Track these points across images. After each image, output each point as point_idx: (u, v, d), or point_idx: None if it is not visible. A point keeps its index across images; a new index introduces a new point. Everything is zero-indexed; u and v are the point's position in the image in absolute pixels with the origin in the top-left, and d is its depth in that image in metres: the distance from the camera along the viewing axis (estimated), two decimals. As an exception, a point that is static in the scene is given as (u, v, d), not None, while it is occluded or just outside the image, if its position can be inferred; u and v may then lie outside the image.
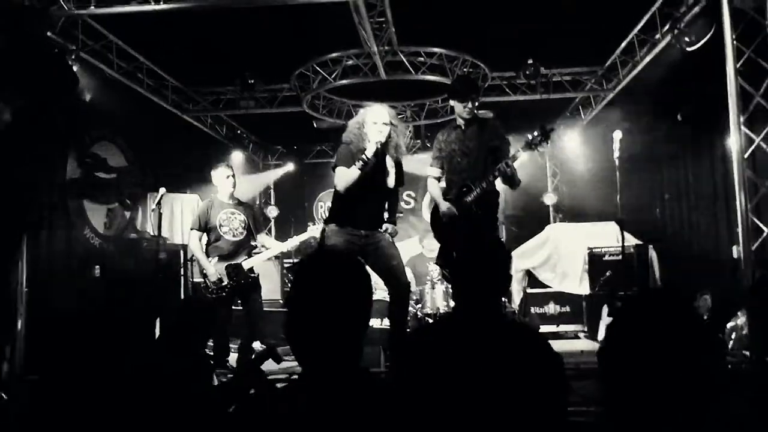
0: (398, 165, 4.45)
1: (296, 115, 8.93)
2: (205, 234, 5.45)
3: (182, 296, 6.99)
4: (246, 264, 5.37)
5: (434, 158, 4.72)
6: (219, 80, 8.42)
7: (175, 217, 8.07)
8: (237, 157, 10.47)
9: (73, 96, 5.83)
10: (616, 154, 4.80)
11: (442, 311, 6.94)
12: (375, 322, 6.78)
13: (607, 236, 7.48)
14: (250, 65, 7.78)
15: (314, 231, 5.55)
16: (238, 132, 10.43)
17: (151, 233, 6.86)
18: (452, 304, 7.03)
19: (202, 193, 7.96)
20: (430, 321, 6.87)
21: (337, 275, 1.57)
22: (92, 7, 5.73)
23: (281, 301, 8.09)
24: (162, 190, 5.53)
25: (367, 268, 4.66)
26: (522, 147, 4.35)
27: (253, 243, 5.55)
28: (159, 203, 5.47)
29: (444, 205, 4.55)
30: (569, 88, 8.30)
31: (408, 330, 4.57)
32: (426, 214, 11.22)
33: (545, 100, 8.24)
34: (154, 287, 6.10)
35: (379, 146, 4.21)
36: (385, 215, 4.50)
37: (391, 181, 4.38)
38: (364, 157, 4.20)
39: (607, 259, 7.30)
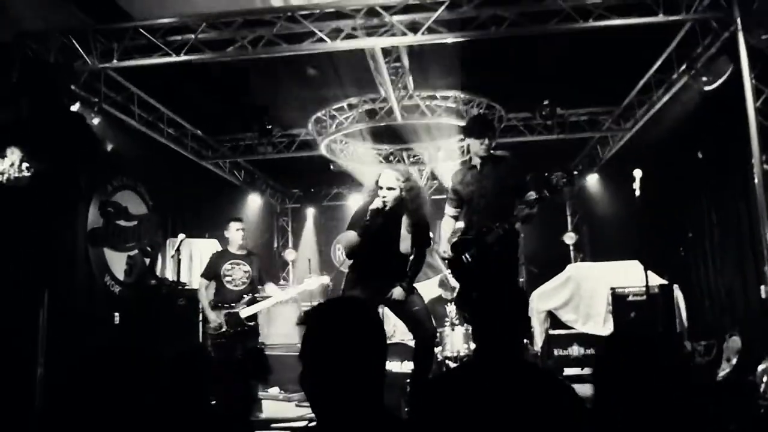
0: (418, 227, 4.37)
1: (314, 159, 9.06)
2: (213, 282, 5.81)
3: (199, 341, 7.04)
4: (244, 312, 5.65)
5: (450, 198, 4.75)
6: (237, 127, 8.60)
7: (194, 262, 8.13)
8: (254, 201, 10.62)
9: (94, 152, 6.07)
10: (637, 192, 4.80)
11: (462, 354, 6.86)
12: (394, 366, 6.73)
13: (630, 276, 7.38)
14: (268, 111, 7.95)
15: (311, 283, 5.92)
16: (256, 176, 10.59)
17: (171, 279, 6.94)
18: (473, 346, 6.98)
19: (220, 238, 8.07)
20: (451, 365, 6.78)
21: (345, 322, 1.58)
22: (115, 61, 5.94)
23: (299, 346, 8.05)
24: (181, 236, 5.69)
25: (391, 315, 4.73)
26: (547, 189, 4.37)
27: (258, 292, 5.85)
28: (178, 249, 5.61)
29: (442, 247, 4.63)
30: (586, 127, 8.34)
31: (430, 373, 4.53)
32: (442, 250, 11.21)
33: (562, 140, 8.28)
34: (172, 333, 6.19)
35: (375, 211, 4.21)
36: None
37: (404, 246, 4.30)
38: (365, 222, 4.25)
39: (632, 299, 7.19)
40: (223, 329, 5.58)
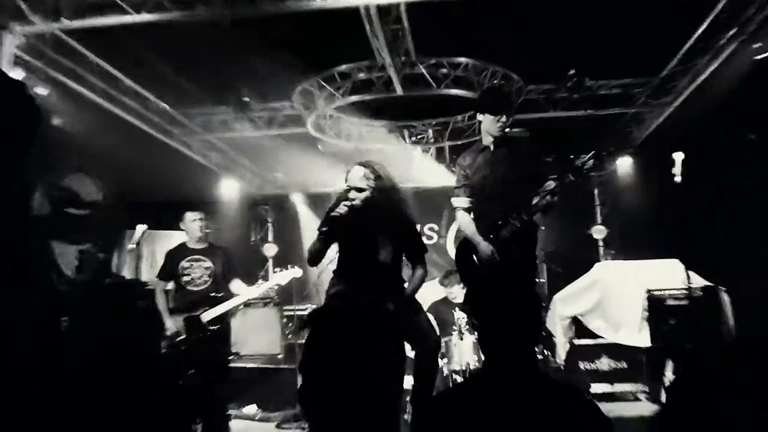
0: (407, 235, 4.35)
1: (298, 136, 9.03)
2: (171, 283, 5.88)
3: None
4: (206, 315, 5.69)
5: (459, 186, 4.70)
6: (210, 99, 8.56)
7: (157, 258, 8.12)
8: (229, 187, 10.59)
9: (39, 128, 6.02)
10: (677, 179, 4.79)
11: (472, 367, 6.87)
12: (393, 382, 6.73)
13: (669, 276, 7.38)
14: (246, 81, 7.91)
15: (281, 278, 5.91)
16: (231, 158, 10.56)
17: (129, 277, 6.93)
18: (483, 357, 6.98)
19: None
20: (459, 379, 6.79)
21: (358, 327, 1.55)
22: (63, 20, 5.89)
23: (281, 356, 8.07)
24: (142, 227, 5.68)
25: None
26: (571, 173, 4.35)
27: (224, 291, 5.88)
28: (138, 243, 5.61)
29: (485, 247, 4.47)
30: (619, 102, 8.32)
31: (434, 390, 4.53)
32: (451, 250, 11.24)
33: (590, 117, 8.26)
34: (130, 342, 6.20)
35: (332, 219, 4.18)
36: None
37: (384, 255, 4.25)
38: (320, 228, 4.24)
39: (671, 303, 7.18)
40: (182, 336, 5.63)
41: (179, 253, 5.95)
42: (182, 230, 6.05)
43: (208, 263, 5.90)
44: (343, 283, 4.33)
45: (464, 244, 4.65)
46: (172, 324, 5.67)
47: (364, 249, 4.28)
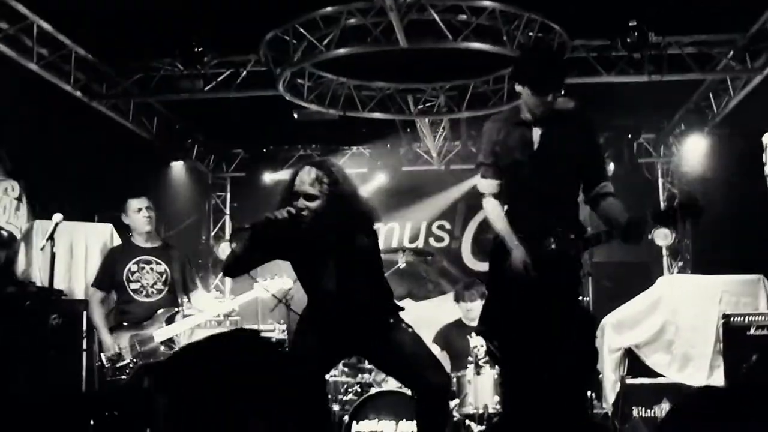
0: (370, 248, 4.45)
1: (267, 101, 9.02)
2: (113, 292, 5.96)
3: (83, 380, 7.08)
4: (160, 334, 5.75)
5: (486, 164, 4.65)
6: (149, 49, 8.54)
7: (77, 258, 8.09)
8: (175, 166, 10.56)
9: None
10: (768, 169, 4.81)
11: (491, 411, 6.89)
12: (387, 426, 6.74)
13: (754, 297, 7.41)
14: (197, 27, 7.88)
15: (261, 290, 5.87)
16: (177, 127, 10.54)
17: (39, 283, 6.90)
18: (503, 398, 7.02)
19: (117, 221, 8.01)
20: (474, 427, 6.81)
21: None
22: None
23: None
24: (57, 216, 5.65)
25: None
26: (652, 218, 4.44)
27: (182, 304, 5.99)
28: (52, 237, 5.59)
29: (519, 255, 4.41)
30: (693, 66, 8.32)
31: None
32: (467, 257, 11.24)
33: (656, 85, 8.26)
34: (41, 366, 6.20)
35: (268, 221, 4.20)
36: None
37: (339, 285, 4.36)
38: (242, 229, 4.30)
39: (754, 333, 7.22)
40: (125, 360, 5.63)
41: (124, 252, 6.02)
42: (105, 222, 6.09)
43: (162, 267, 5.97)
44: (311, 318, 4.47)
45: (496, 251, 4.60)
46: (111, 342, 5.72)
47: (324, 274, 4.37)
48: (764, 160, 4.85)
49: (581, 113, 4.65)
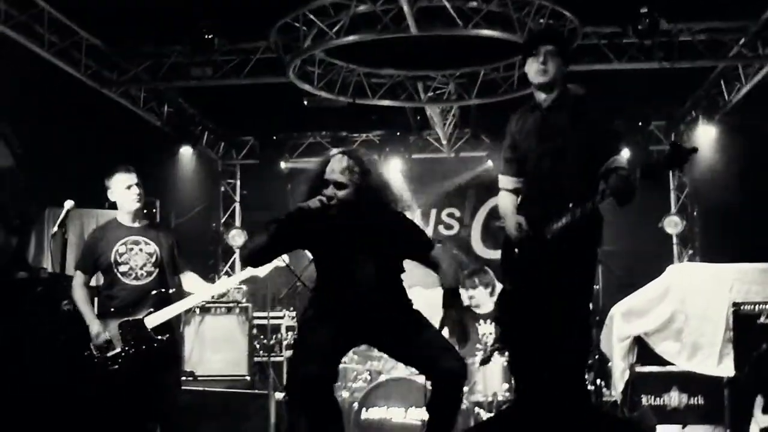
0: (403, 235, 4.41)
1: (277, 88, 9.02)
2: (100, 275, 5.71)
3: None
4: (151, 320, 5.52)
5: (507, 160, 4.73)
6: (159, 37, 8.53)
7: (88, 244, 8.15)
8: (184, 152, 10.59)
9: None
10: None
11: (501, 398, 6.91)
12: (395, 415, 6.77)
13: (765, 285, 7.40)
14: (208, 13, 7.88)
15: (257, 269, 5.68)
16: (187, 115, 10.56)
17: (50, 270, 6.92)
18: (514, 386, 7.04)
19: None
20: (483, 415, 6.83)
21: None
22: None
23: (248, 379, 8.10)
24: (68, 204, 5.60)
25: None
26: (640, 170, 4.33)
27: (172, 287, 5.72)
28: (63, 224, 5.54)
29: (512, 219, 4.56)
30: (705, 53, 8.29)
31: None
32: (477, 245, 11.24)
33: (667, 71, 8.24)
34: (52, 352, 6.18)
35: (301, 212, 4.16)
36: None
37: (367, 279, 4.31)
38: (277, 220, 4.21)
39: (765, 321, 7.21)
40: (116, 349, 5.44)
41: (110, 232, 5.68)
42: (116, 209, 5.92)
43: (152, 247, 5.67)
44: (322, 307, 4.39)
45: (510, 245, 4.65)
46: (98, 328, 5.44)
47: (347, 265, 4.33)
48: (775, 148, 4.82)
49: (585, 99, 4.66)
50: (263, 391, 7.52)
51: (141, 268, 5.62)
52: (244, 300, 8.53)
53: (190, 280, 5.87)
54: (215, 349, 8.14)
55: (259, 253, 4.38)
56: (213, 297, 6.74)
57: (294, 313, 8.71)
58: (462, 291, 7.57)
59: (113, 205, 7.86)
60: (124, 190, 5.64)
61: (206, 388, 7.26)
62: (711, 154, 9.84)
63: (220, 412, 6.77)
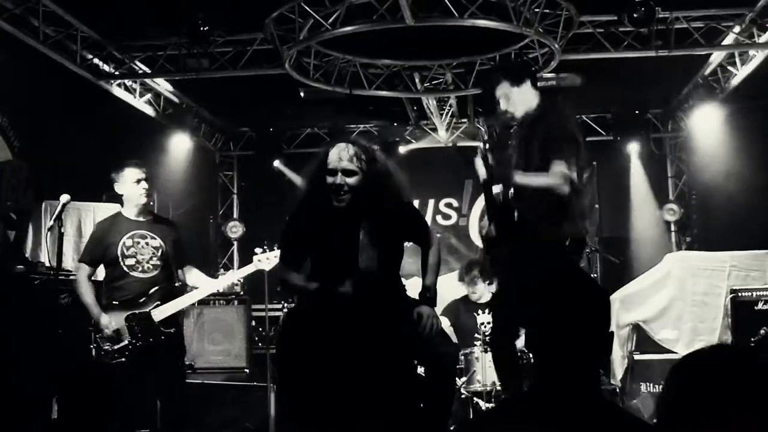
0: (406, 220, 4.50)
1: (274, 80, 9.01)
2: (102, 268, 5.76)
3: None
4: (158, 313, 5.59)
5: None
6: (155, 29, 8.51)
7: (85, 238, 8.11)
8: (181, 144, 10.58)
9: None
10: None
11: (499, 388, 6.93)
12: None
13: (762, 272, 7.42)
14: (204, 5, 7.86)
15: (264, 262, 5.89)
16: (185, 106, 10.54)
17: (48, 263, 6.92)
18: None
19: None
20: (482, 405, 6.84)
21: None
22: None
23: (247, 371, 8.11)
24: (65, 197, 5.61)
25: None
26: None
27: (177, 281, 5.84)
28: (60, 217, 5.55)
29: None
30: (701, 40, 8.28)
31: (450, 417, 4.59)
32: (474, 234, 11.24)
33: (664, 59, 8.24)
34: (51, 346, 6.19)
35: (330, 212, 4.26)
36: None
37: (370, 264, 4.33)
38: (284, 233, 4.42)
39: (762, 308, 7.24)
40: (123, 342, 5.50)
41: (117, 226, 5.76)
42: (114, 203, 5.95)
43: (158, 241, 5.76)
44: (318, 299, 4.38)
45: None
46: (107, 321, 5.50)
47: (351, 251, 4.33)
48: (773, 135, 4.82)
49: (552, 104, 5.03)
50: (262, 383, 7.54)
51: (148, 262, 5.70)
52: (242, 292, 8.55)
53: (193, 274, 5.97)
54: (214, 342, 8.16)
55: (289, 280, 4.46)
56: (219, 291, 6.79)
57: (293, 305, 8.72)
58: (461, 284, 7.64)
59: (111, 199, 7.86)
60: (132, 184, 5.72)
61: (205, 381, 7.27)
62: (708, 142, 9.86)
63: (219, 404, 6.78)
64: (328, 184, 4.18)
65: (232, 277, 6.17)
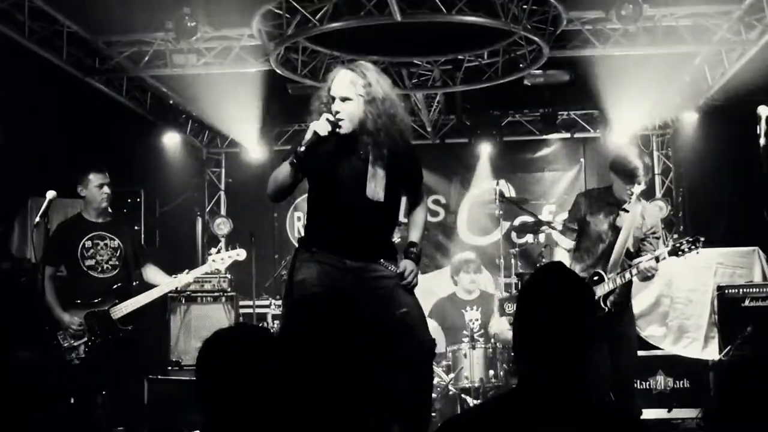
0: (408, 159, 4.49)
1: (261, 76, 8.99)
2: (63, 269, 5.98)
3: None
4: (117, 311, 5.81)
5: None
6: (142, 23, 8.48)
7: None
8: (170, 140, 10.55)
9: None
10: (762, 141, 4.80)
11: (488, 385, 6.94)
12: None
13: (749, 269, 7.45)
14: (190, 1, 7.83)
15: (218, 262, 6.22)
16: (171, 103, 10.51)
17: (33, 260, 6.90)
18: (500, 373, 7.08)
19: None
20: (469, 401, 6.85)
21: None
22: None
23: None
24: (50, 194, 5.64)
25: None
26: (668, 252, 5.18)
27: (134, 279, 6.08)
28: (45, 214, 5.59)
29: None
30: (688, 38, 8.30)
31: (433, 414, 4.58)
32: (463, 233, 11.26)
33: (651, 57, 8.23)
34: (36, 342, 6.21)
35: (318, 136, 4.21)
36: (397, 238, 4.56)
37: (377, 191, 4.31)
38: (299, 149, 4.24)
39: (749, 305, 7.26)
40: (83, 339, 5.72)
41: (77, 227, 6.00)
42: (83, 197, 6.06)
43: (116, 242, 5.99)
44: (323, 232, 4.37)
45: None
46: (69, 318, 5.76)
47: (355, 184, 4.31)
48: (759, 132, 4.83)
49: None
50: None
51: (107, 263, 5.95)
52: (230, 289, 8.53)
53: (152, 272, 6.18)
54: (201, 338, 8.11)
55: (285, 191, 4.38)
56: (176, 289, 6.89)
57: (280, 302, 8.70)
58: (450, 282, 7.67)
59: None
60: (95, 188, 6.02)
61: (192, 378, 7.24)
62: (696, 138, 9.89)
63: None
64: (333, 111, 4.26)
65: (188, 277, 6.29)
